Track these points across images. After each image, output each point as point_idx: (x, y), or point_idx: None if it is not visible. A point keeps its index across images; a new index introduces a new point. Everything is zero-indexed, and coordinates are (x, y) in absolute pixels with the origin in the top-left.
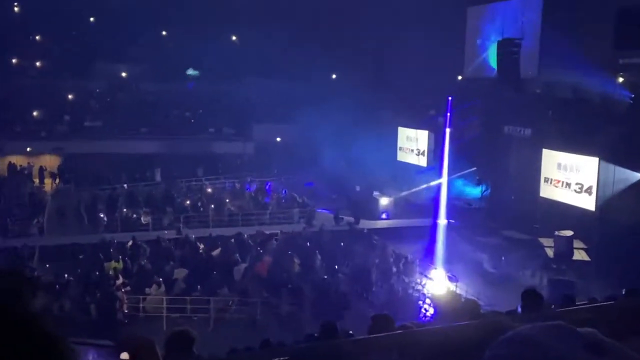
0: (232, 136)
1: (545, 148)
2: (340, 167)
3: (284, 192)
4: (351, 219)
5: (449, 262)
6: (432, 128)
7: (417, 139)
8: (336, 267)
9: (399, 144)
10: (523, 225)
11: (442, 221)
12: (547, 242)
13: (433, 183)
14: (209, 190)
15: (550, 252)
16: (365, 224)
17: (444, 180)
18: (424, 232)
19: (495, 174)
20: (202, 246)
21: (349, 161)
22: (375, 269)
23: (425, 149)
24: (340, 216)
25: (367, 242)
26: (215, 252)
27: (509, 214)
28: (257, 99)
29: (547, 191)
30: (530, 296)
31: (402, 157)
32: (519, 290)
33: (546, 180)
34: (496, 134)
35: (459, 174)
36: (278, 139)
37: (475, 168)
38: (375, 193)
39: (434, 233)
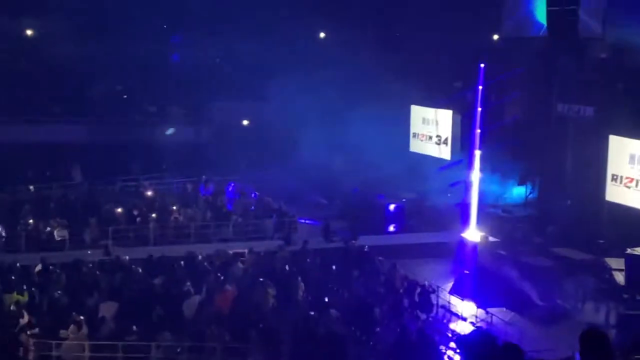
0: (182, 118)
1: (614, 134)
2: (332, 161)
3: (253, 195)
4: (347, 233)
5: (481, 292)
6: (457, 107)
7: (437, 122)
8: (326, 299)
9: (413, 129)
10: (583, 241)
11: (473, 235)
12: (616, 263)
13: (459, 183)
14: (149, 193)
15: (620, 278)
16: (367, 240)
17: (474, 178)
18: (447, 250)
19: (544, 170)
20: (139, 271)
21: (343, 153)
22: (380, 301)
23: (449, 135)
24: (332, 229)
25: (369, 265)
26: (158, 280)
27: (564, 226)
28: (216, 66)
29: (615, 193)
30: (592, 338)
31: (416, 146)
32: (578, 330)
33: (614, 178)
34: (546, 115)
35: (495, 170)
36: (245, 122)
37: (517, 162)
38: (381, 197)
39: (461, 252)
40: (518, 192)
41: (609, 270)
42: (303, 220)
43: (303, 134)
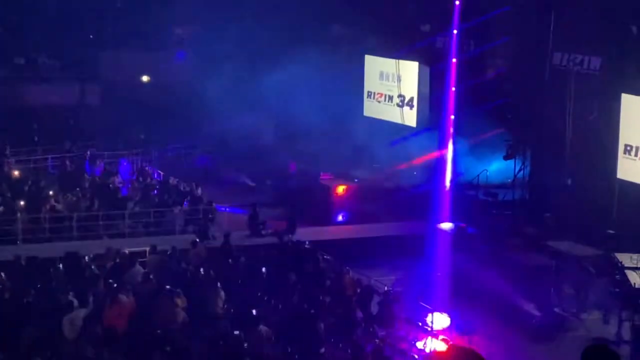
0: (57, 73)
1: (626, 92)
2: (261, 131)
3: (155, 175)
4: (281, 224)
5: (459, 300)
6: (425, 57)
7: (399, 78)
8: (254, 312)
9: (367, 87)
10: (587, 232)
11: (446, 226)
12: (629, 260)
13: (428, 157)
14: (16, 173)
15: (635, 278)
16: (308, 233)
17: (448, 152)
18: (413, 246)
19: (538, 140)
20: (1, 276)
21: (275, 120)
22: (325, 314)
23: (415, 95)
24: (262, 219)
25: (311, 266)
26: (29, 290)
27: (563, 212)
28: (105, 3)
29: (629, 169)
30: (599, 357)
31: (372, 110)
32: (581, 347)
33: (628, 149)
34: (539, 68)
35: (474, 141)
36: (145, 79)
37: (503, 130)
38: (325, 176)
39: (431, 247)
40: (504, 168)
41: (621, 269)
42: (223, 208)
43: (221, 95)
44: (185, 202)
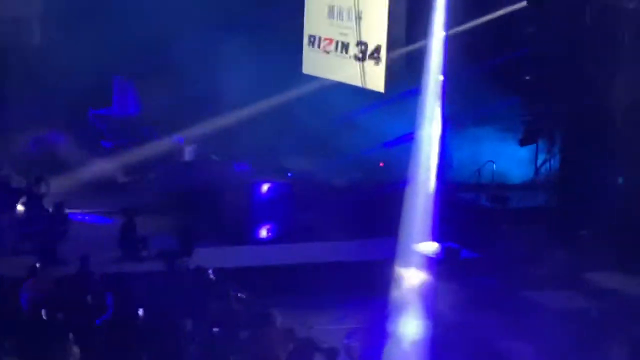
0: None
1: None
2: (143, 103)
3: None
4: (171, 242)
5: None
6: None
7: (358, 15)
8: None
9: (309, 29)
10: None
11: (429, 247)
12: None
13: (404, 141)
14: None
15: None
16: (213, 256)
17: (433, 132)
18: (376, 277)
19: (574, 116)
20: None
21: (164, 79)
22: None
23: (383, 42)
24: (142, 234)
25: (217, 307)
26: None
27: (610, 229)
28: None
29: None
30: None
31: (315, 65)
32: None
33: None
34: (576, 3)
35: (474, 117)
36: None
37: (518, 100)
38: (242, 168)
39: (404, 280)
40: (520, 160)
41: None
42: (81, 216)
43: (75, 48)
44: (19, 204)
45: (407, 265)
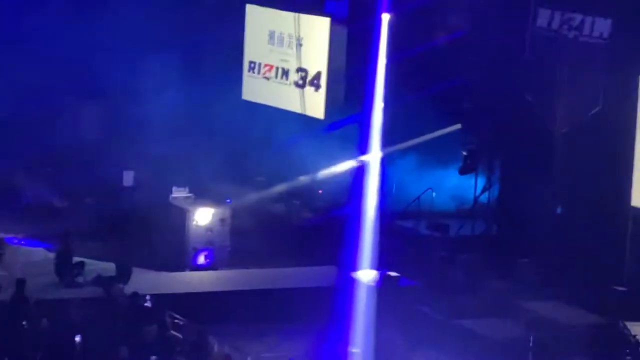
0: None
1: None
2: (80, 122)
3: None
4: (109, 268)
5: None
6: (341, 10)
7: (299, 41)
8: None
9: (249, 55)
10: (585, 289)
11: (368, 275)
12: None
13: (342, 168)
14: None
15: None
16: (150, 282)
17: (373, 160)
18: (316, 304)
19: (512, 144)
20: None
21: (102, 103)
22: None
23: (323, 69)
24: (76, 261)
25: (154, 334)
26: None
27: (549, 257)
28: None
29: None
30: None
31: (255, 91)
32: None
33: None
34: (517, 30)
35: (415, 144)
36: None
37: (458, 127)
38: (177, 192)
39: (343, 308)
40: (460, 188)
41: (635, 346)
42: (16, 241)
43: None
44: None
45: (345, 293)
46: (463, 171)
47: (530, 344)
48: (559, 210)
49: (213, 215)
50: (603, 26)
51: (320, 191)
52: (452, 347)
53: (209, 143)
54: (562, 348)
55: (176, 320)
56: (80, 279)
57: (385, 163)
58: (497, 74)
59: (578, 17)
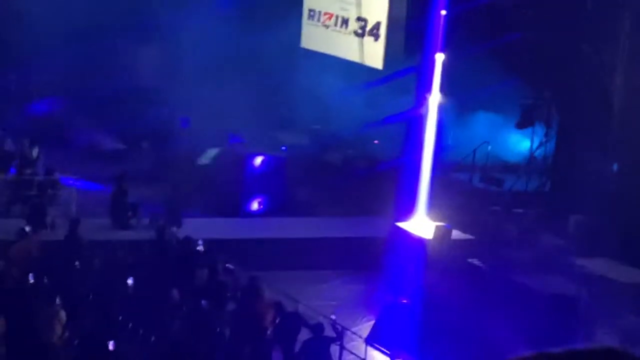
0: None
1: None
2: (137, 66)
3: None
4: (162, 212)
5: (432, 346)
6: None
7: None
8: (110, 347)
9: (309, 3)
10: (638, 243)
11: (420, 227)
12: None
13: (399, 118)
14: None
15: None
16: (204, 227)
17: (429, 111)
18: (366, 254)
19: (570, 100)
20: None
21: (160, 50)
22: (223, 354)
23: (383, 19)
24: (133, 202)
25: (207, 279)
26: None
27: (603, 215)
28: None
29: None
30: None
31: (314, 39)
32: None
33: None
34: None
35: (470, 97)
36: None
37: (516, 82)
38: (235, 140)
39: (393, 258)
40: (516, 142)
41: None
42: (72, 182)
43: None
44: (11, 169)
45: (396, 243)
46: (521, 125)
47: (582, 301)
48: (614, 167)
49: (265, 159)
50: None
51: (376, 141)
52: (502, 300)
53: (267, 89)
54: (612, 305)
55: (227, 266)
56: (133, 222)
57: (442, 115)
58: (557, 28)
59: None
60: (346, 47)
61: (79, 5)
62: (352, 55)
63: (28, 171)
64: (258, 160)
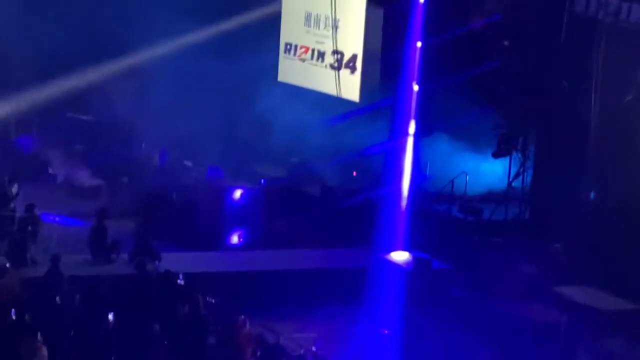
0: None
1: None
2: (116, 100)
3: None
4: (142, 247)
5: None
6: None
7: (335, 23)
8: None
9: (285, 36)
10: (619, 274)
11: (400, 256)
12: None
13: (376, 150)
14: None
15: None
16: (182, 261)
17: (407, 143)
18: (347, 286)
19: (547, 129)
20: None
21: (138, 84)
22: None
23: (359, 52)
24: (112, 238)
25: (186, 312)
26: None
27: (582, 242)
28: None
29: None
30: None
31: (291, 73)
32: None
33: None
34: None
35: (449, 126)
36: None
37: (492, 111)
38: (215, 173)
39: (374, 290)
40: (493, 172)
41: None
42: (51, 218)
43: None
44: None
45: (377, 274)
46: (497, 155)
47: (562, 329)
48: (591, 195)
49: (244, 191)
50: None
51: (354, 173)
52: (483, 330)
53: (245, 123)
54: (593, 332)
55: (208, 300)
56: (113, 257)
57: (418, 146)
58: (532, 58)
59: (615, 2)
60: (323, 80)
61: (58, 38)
62: (329, 89)
63: (7, 208)
64: (237, 193)
